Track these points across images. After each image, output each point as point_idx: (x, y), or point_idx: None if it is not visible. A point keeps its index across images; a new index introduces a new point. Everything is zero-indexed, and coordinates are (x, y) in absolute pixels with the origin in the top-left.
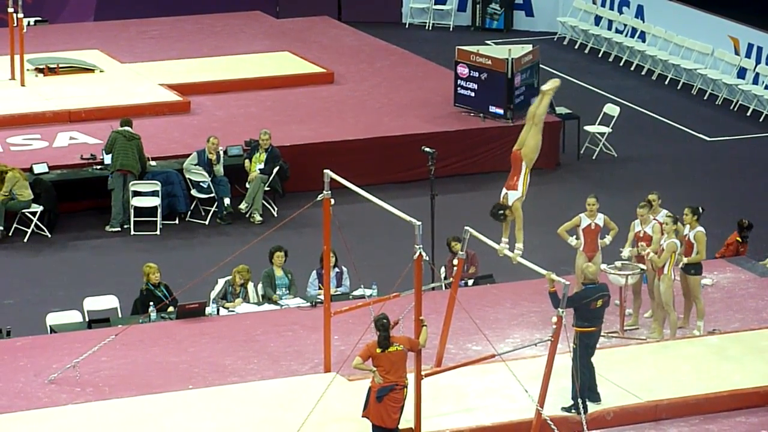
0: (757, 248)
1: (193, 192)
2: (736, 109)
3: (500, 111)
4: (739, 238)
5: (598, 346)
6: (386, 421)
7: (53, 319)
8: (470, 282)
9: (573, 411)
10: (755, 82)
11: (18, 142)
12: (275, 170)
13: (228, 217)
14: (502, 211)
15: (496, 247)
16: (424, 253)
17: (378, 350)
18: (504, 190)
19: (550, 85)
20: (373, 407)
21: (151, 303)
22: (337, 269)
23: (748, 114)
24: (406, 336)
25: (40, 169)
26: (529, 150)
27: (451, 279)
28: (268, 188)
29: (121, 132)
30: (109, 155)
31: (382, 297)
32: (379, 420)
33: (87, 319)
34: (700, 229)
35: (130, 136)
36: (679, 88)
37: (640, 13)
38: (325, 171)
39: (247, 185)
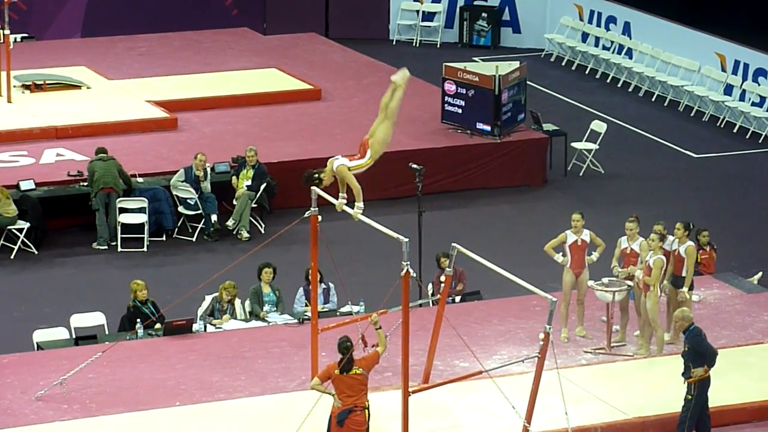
0: (743, 264)
1: (180, 209)
2: (722, 125)
3: (487, 128)
4: (709, 247)
5: (585, 363)
6: None
7: (40, 335)
8: (457, 299)
9: None
10: (742, 98)
11: (4, 159)
12: (262, 187)
13: (215, 233)
14: (316, 175)
15: (335, 202)
16: (411, 270)
17: (337, 372)
18: (338, 156)
19: (400, 76)
20: None
21: (139, 320)
22: (324, 285)
23: (735, 131)
24: (368, 357)
25: (26, 185)
26: (377, 142)
27: (439, 295)
28: (255, 205)
29: (96, 159)
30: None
31: (369, 314)
32: None
33: (74, 336)
34: (690, 243)
35: (107, 158)
36: (666, 104)
37: (627, 29)
38: (312, 188)
39: (235, 202)
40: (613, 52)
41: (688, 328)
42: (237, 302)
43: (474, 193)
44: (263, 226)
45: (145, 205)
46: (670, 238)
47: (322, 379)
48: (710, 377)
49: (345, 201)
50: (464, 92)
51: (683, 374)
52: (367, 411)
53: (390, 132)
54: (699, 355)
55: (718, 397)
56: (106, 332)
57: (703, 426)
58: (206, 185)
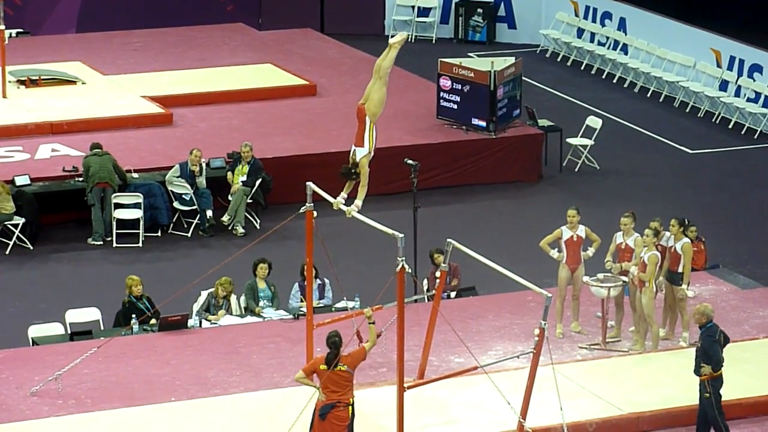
0: (738, 260)
1: (176, 204)
2: (718, 121)
3: (483, 123)
4: (698, 241)
5: (580, 358)
6: None
7: (35, 331)
8: (453, 294)
9: None
10: (737, 94)
11: (0, 154)
12: (258, 182)
13: (210, 229)
14: (353, 170)
15: (333, 201)
16: (406, 266)
17: (322, 367)
18: (353, 147)
19: (398, 39)
20: (317, 426)
21: (134, 315)
22: (319, 281)
23: (730, 126)
24: (354, 353)
25: (21, 181)
26: (373, 104)
27: (434, 291)
28: (250, 200)
29: (91, 154)
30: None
31: (364, 309)
32: None
33: (69, 332)
34: (687, 240)
35: (102, 153)
36: (661, 100)
37: (622, 25)
38: (307, 183)
39: (230, 197)
40: (608, 48)
41: (705, 324)
42: (232, 298)
43: (469, 189)
44: (258, 221)
45: (141, 200)
46: (666, 234)
47: (306, 372)
48: (722, 376)
49: (344, 201)
50: (459, 88)
51: (695, 371)
52: (350, 408)
53: (384, 92)
54: (707, 355)
55: None
56: (101, 328)
57: (703, 422)
58: (201, 181)
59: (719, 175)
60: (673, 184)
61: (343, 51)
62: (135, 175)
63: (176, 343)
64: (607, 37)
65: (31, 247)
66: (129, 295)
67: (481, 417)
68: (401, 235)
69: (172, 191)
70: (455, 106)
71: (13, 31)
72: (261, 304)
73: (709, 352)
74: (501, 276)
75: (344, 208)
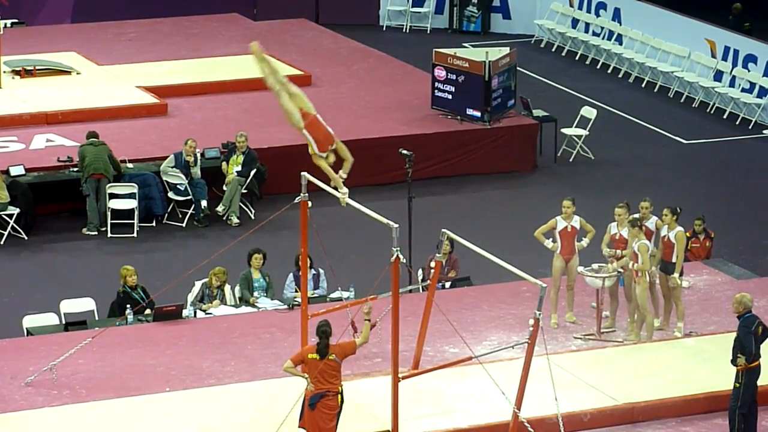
0: (733, 250)
1: (170, 194)
2: (712, 111)
3: (477, 113)
4: (703, 236)
5: (575, 348)
6: (322, 430)
7: (30, 321)
8: (447, 284)
9: None
10: (732, 84)
11: None
12: (252, 173)
13: (205, 219)
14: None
15: (332, 192)
16: (401, 256)
17: (311, 356)
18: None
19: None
20: (307, 416)
21: (128, 305)
22: (314, 271)
23: (725, 117)
24: (344, 344)
25: (16, 171)
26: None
27: (429, 281)
28: (245, 191)
29: (87, 143)
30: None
31: (359, 299)
32: (315, 429)
33: (64, 322)
34: (680, 228)
35: (98, 143)
36: (655, 90)
37: (617, 16)
38: (302, 173)
39: (225, 188)
40: (603, 38)
41: (743, 314)
42: (227, 288)
43: (464, 179)
44: (253, 211)
45: (135, 190)
46: (653, 218)
47: (295, 362)
48: (760, 367)
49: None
50: (454, 78)
51: (732, 361)
52: (339, 396)
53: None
54: (743, 346)
55: (708, 383)
56: (96, 318)
57: (750, 415)
58: (196, 171)
59: (714, 165)
60: (668, 174)
61: (338, 41)
62: (130, 165)
63: (171, 334)
64: (602, 28)
65: (26, 238)
66: (123, 286)
67: (476, 407)
68: (396, 225)
69: (166, 181)
70: (450, 97)
71: (8, 22)
72: (256, 294)
73: (744, 342)
74: (496, 266)
75: (338, 195)
